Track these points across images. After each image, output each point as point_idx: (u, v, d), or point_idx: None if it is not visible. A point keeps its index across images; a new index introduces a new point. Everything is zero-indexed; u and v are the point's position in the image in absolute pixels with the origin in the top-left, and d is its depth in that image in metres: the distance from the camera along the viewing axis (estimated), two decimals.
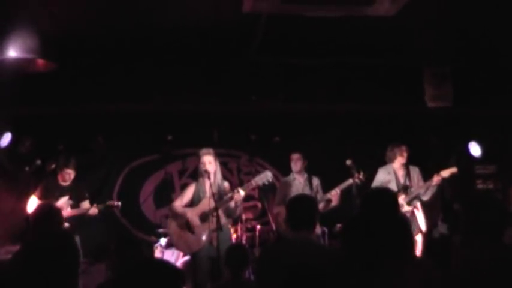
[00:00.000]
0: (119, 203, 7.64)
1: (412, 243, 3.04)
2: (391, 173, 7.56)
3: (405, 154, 7.53)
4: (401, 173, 7.57)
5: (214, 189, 6.43)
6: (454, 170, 7.39)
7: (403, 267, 2.75)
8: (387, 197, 4.05)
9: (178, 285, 2.55)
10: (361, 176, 7.27)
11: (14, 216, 7.35)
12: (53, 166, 7.37)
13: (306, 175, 7.71)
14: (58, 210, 4.92)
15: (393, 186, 7.28)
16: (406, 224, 3.06)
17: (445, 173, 7.35)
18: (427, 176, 7.55)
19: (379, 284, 2.71)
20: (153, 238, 8.30)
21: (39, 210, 4.84)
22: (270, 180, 6.67)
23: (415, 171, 7.61)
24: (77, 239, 6.83)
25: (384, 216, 3.08)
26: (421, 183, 7.51)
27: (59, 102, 7.51)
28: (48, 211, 4.67)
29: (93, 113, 8.15)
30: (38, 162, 7.51)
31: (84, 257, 6.45)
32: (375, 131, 8.86)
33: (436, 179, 7.34)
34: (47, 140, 7.93)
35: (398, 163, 7.57)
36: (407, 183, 7.49)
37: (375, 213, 3.44)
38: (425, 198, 7.51)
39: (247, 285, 4.88)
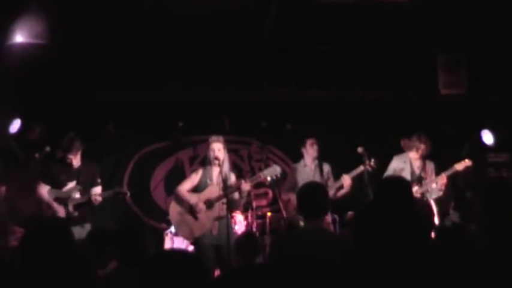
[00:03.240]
0: (127, 191, 7.40)
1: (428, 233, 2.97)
2: (407, 162, 7.42)
3: (420, 152, 7.39)
4: (417, 164, 7.43)
5: (222, 178, 6.41)
6: (468, 163, 7.25)
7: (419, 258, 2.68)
8: (402, 185, 3.96)
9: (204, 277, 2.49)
10: (372, 163, 7.17)
11: (24, 203, 7.34)
12: (61, 153, 7.24)
13: (316, 161, 7.63)
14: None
15: (407, 175, 7.14)
16: (421, 214, 2.98)
17: (459, 166, 7.24)
18: (440, 167, 7.44)
19: (393, 275, 2.65)
20: (164, 225, 8.28)
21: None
22: (279, 175, 6.70)
23: (430, 166, 7.48)
24: (88, 226, 6.79)
25: (399, 204, 3.00)
26: (433, 177, 7.39)
27: (69, 90, 7.51)
28: None
29: (103, 100, 8.14)
30: (47, 149, 7.43)
31: None
32: (387, 118, 8.77)
33: (441, 182, 7.22)
34: (57, 127, 7.89)
35: (413, 155, 7.45)
36: (422, 174, 7.39)
37: (389, 201, 3.35)
38: (433, 196, 7.38)
39: None
